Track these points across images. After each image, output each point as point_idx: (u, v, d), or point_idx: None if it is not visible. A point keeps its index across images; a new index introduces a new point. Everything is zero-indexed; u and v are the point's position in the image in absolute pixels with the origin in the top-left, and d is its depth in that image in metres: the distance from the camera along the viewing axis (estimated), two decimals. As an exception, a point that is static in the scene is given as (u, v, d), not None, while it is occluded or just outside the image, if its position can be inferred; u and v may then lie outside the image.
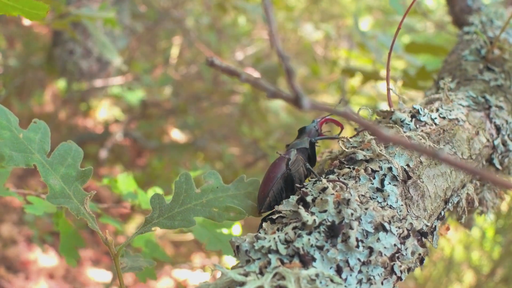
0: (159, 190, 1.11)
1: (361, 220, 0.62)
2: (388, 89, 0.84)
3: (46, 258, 2.87)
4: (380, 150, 0.72)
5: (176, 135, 4.33)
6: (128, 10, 4.24)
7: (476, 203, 0.81)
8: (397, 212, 0.66)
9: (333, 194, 0.64)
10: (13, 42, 4.33)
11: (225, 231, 1.01)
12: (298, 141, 0.79)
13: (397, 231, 0.63)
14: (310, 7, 5.16)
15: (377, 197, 0.67)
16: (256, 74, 3.81)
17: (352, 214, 0.62)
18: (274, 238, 0.60)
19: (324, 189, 0.66)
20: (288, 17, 4.50)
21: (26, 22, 3.89)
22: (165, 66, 4.51)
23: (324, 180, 0.67)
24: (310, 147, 0.78)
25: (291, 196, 0.68)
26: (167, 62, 4.48)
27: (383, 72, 1.98)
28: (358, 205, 0.63)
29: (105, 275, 2.92)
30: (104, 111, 4.12)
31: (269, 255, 0.59)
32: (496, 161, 0.89)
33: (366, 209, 0.63)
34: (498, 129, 0.90)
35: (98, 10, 1.85)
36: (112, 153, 3.90)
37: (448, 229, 0.80)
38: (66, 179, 0.69)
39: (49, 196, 0.66)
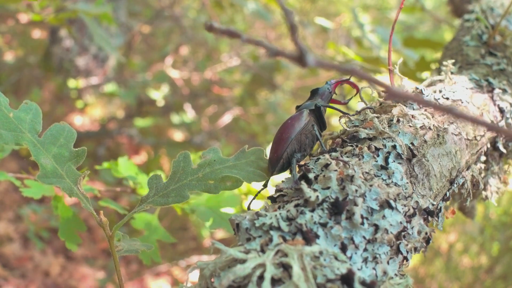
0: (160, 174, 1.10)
1: (365, 197, 0.60)
2: (390, 70, 0.82)
3: (42, 256, 2.84)
4: (384, 128, 0.70)
5: (173, 132, 4.31)
6: (124, 8, 4.23)
7: (481, 185, 0.79)
8: (403, 190, 0.64)
9: (336, 170, 0.62)
10: (9, 40, 4.30)
11: (231, 210, 1.00)
12: (309, 102, 0.76)
13: (402, 209, 0.61)
14: (307, 5, 5.16)
15: (381, 174, 0.65)
16: (253, 69, 3.79)
17: (356, 190, 0.60)
18: (276, 215, 0.58)
19: (326, 166, 0.63)
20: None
21: (24, 19, 3.87)
22: (161, 64, 4.48)
23: (327, 156, 0.65)
24: (317, 112, 0.75)
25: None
26: (163, 59, 4.46)
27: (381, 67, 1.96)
28: (363, 182, 0.61)
29: (101, 274, 2.89)
30: (100, 109, 4.10)
31: (271, 232, 0.56)
32: (500, 144, 0.87)
33: (371, 186, 0.61)
34: (502, 111, 0.88)
35: (94, 6, 1.84)
36: (108, 151, 3.88)
37: (453, 212, 0.78)
38: (59, 159, 0.67)
39: (40, 175, 0.64)
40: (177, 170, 0.70)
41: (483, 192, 0.91)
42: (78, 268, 2.89)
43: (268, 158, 0.73)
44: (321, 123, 0.75)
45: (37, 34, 4.40)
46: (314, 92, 0.79)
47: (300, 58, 0.38)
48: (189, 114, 4.13)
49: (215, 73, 4.23)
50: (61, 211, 0.95)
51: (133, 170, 1.13)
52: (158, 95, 3.95)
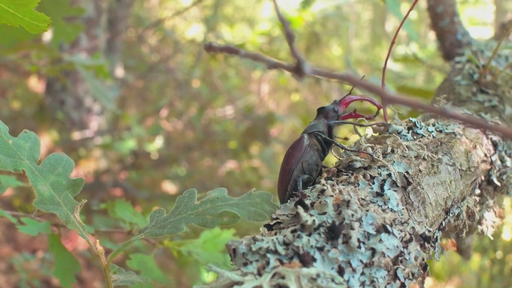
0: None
1: (362, 221, 0.60)
2: (384, 104, 0.83)
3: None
4: (378, 157, 0.71)
5: (167, 185, 4.30)
6: (119, 61, 4.29)
7: (477, 216, 0.79)
8: (399, 216, 0.64)
9: (332, 196, 0.62)
10: (5, 92, 4.34)
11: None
12: (312, 124, 0.77)
13: (399, 234, 0.61)
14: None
15: (377, 201, 0.65)
16: (247, 122, 3.83)
17: (352, 215, 0.60)
18: (272, 240, 0.58)
19: (323, 191, 0.64)
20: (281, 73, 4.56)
21: (22, 70, 3.91)
22: (156, 117, 4.52)
23: (322, 181, 0.65)
24: (315, 136, 0.75)
25: (288, 201, 0.66)
26: (158, 112, 4.49)
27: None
28: (359, 207, 0.61)
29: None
30: (94, 161, 4.09)
31: (268, 255, 0.56)
32: (494, 177, 0.88)
33: (367, 211, 0.61)
34: (495, 145, 0.89)
35: (91, 59, 1.87)
36: (103, 203, 3.84)
37: (454, 244, 0.78)
38: (56, 187, 0.67)
39: (37, 201, 0.64)
40: (179, 205, 0.70)
41: (479, 227, 0.91)
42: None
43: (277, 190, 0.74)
44: (323, 145, 0.76)
45: (33, 83, 4.44)
46: (319, 111, 0.79)
47: (297, 68, 0.39)
48: (183, 167, 4.13)
49: (209, 126, 4.26)
50: (56, 249, 0.94)
51: (129, 211, 1.13)
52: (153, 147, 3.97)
